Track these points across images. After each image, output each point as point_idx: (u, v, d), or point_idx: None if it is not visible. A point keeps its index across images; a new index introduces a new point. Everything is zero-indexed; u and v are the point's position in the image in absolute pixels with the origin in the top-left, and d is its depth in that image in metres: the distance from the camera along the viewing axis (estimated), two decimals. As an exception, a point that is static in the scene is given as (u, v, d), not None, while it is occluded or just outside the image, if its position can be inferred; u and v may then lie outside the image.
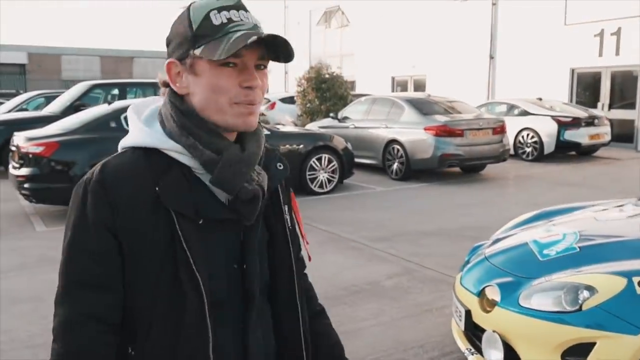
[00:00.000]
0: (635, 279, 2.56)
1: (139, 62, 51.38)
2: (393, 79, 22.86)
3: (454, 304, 3.33)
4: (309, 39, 27.47)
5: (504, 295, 2.92)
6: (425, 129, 10.10)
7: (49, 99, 14.53)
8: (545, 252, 3.11)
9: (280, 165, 1.31)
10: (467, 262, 3.58)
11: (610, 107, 15.49)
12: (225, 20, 1.14)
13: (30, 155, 7.26)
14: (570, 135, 12.54)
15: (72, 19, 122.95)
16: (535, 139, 12.79)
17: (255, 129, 1.22)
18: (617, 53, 15.05)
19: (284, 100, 20.13)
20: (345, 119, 11.97)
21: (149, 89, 13.10)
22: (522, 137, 13.01)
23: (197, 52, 1.13)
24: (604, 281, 2.63)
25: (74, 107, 11.53)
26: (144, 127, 1.21)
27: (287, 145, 8.88)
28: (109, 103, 8.49)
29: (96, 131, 7.59)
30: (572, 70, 16.38)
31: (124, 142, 1.21)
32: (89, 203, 1.14)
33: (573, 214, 3.81)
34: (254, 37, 1.09)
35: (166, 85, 1.22)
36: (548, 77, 16.51)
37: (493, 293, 3.01)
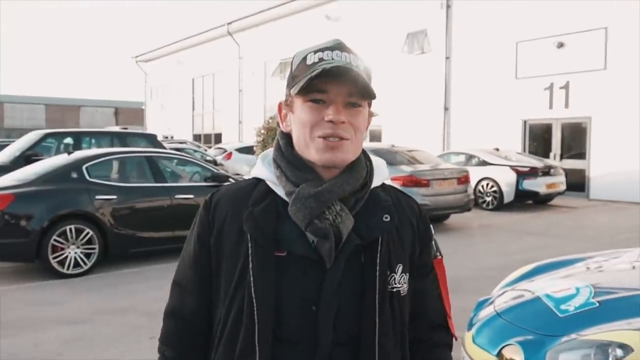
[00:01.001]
0: (672, 336, 2.46)
1: (86, 111, 50.50)
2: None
3: (466, 364, 3.15)
4: (264, 89, 27.62)
5: (528, 355, 2.77)
6: (392, 179, 10.09)
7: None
8: (562, 307, 2.99)
9: (386, 217, 1.25)
10: (472, 318, 3.43)
11: (562, 157, 16.01)
12: (317, 60, 1.19)
13: (-18, 209, 6.78)
14: (528, 184, 12.81)
15: (16, 67, 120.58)
16: (495, 188, 13.01)
17: (353, 167, 1.23)
18: (567, 106, 15.65)
19: (241, 150, 20.02)
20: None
21: (105, 138, 12.71)
22: (482, 186, 13.20)
23: (292, 91, 1.21)
24: (638, 338, 2.52)
25: (24, 157, 11.01)
26: (260, 163, 1.31)
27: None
28: (69, 153, 8.11)
29: (56, 182, 7.17)
30: (524, 122, 16.92)
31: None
32: (197, 219, 1.30)
33: (575, 266, 3.74)
34: (318, 70, 1.15)
35: (278, 125, 1.33)
36: (501, 128, 16.99)
37: (513, 352, 2.86)
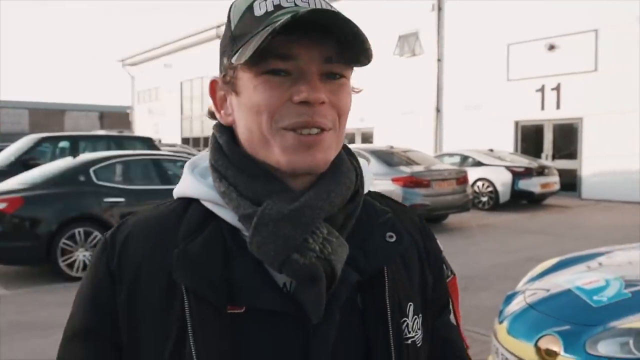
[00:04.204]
0: None
1: (71, 116, 50.09)
2: (340, 131, 23.19)
3: (500, 355, 3.24)
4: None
5: (567, 344, 2.86)
6: (392, 180, 10.20)
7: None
8: (595, 298, 3.09)
9: (391, 236, 0.86)
10: (502, 311, 3.52)
11: (554, 157, 16.24)
12: (271, 8, 0.77)
13: (-10, 212, 6.78)
14: (523, 184, 13.00)
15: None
16: (491, 188, 13.18)
17: (336, 168, 0.84)
18: (558, 107, 15.89)
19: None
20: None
21: (101, 142, 12.68)
22: (478, 187, 13.36)
23: (235, 59, 0.78)
24: (677, 325, 2.62)
25: (21, 162, 10.97)
26: (188, 174, 0.89)
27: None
28: (74, 156, 8.11)
29: (64, 185, 7.19)
30: (517, 123, 17.15)
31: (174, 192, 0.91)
32: (89, 271, 0.84)
33: (596, 260, 3.85)
34: (288, 17, 0.71)
35: (213, 115, 0.89)
36: (494, 129, 17.19)
37: (551, 342, 2.95)
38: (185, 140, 33.08)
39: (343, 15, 0.73)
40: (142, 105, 38.94)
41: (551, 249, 7.71)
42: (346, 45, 0.76)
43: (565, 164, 15.81)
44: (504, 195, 13.07)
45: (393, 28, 20.36)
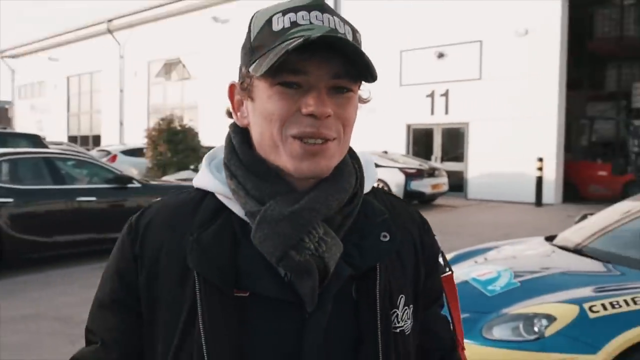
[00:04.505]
0: (586, 305, 2.91)
1: None
2: (237, 132, 23.09)
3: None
4: (147, 90, 26.83)
5: (466, 330, 3.09)
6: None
7: None
8: (489, 288, 3.38)
9: (385, 236, 0.94)
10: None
11: (442, 159, 17.16)
12: (288, 25, 0.86)
13: None
14: (415, 185, 13.64)
15: None
16: (386, 189, 13.66)
17: (338, 172, 0.92)
18: (447, 112, 16.81)
19: (126, 152, 19.33)
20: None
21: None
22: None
23: (254, 70, 0.87)
24: (560, 309, 2.94)
25: None
26: (206, 167, 0.99)
27: (159, 198, 8.51)
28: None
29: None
30: (409, 126, 17.92)
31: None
32: (116, 249, 0.96)
33: (488, 254, 4.19)
34: (300, 41, 0.80)
35: (230, 114, 0.99)
36: (387, 132, 17.85)
37: (451, 329, 3.19)
38: (73, 139, 31.41)
39: (347, 40, 0.84)
40: (23, 100, 36.49)
41: (443, 245, 8.11)
42: (351, 63, 0.85)
43: (453, 166, 16.74)
44: (398, 195, 13.62)
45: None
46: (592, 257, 3.79)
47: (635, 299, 2.91)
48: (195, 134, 15.79)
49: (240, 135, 0.96)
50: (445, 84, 16.68)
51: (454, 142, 17.21)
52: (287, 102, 0.86)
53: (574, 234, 4.33)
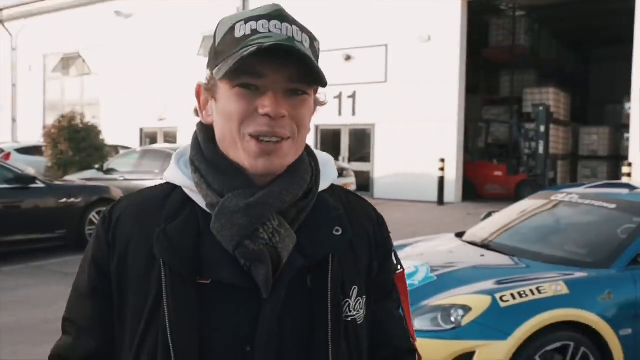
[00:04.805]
0: (497, 295, 3.16)
1: None
2: (142, 130, 22.41)
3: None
4: (43, 85, 25.43)
5: (388, 323, 3.28)
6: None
7: None
8: (408, 282, 3.55)
9: (337, 230, 1.01)
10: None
11: (350, 160, 17.56)
12: (249, 32, 0.94)
13: None
14: (325, 185, 13.88)
15: None
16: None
17: (293, 169, 0.99)
18: (354, 113, 17.22)
19: (20, 150, 18.24)
20: (111, 170, 11.49)
21: None
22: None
23: (216, 73, 0.97)
24: (474, 300, 3.17)
25: None
26: (174, 164, 1.06)
27: (65, 199, 8.17)
28: None
29: None
30: (317, 127, 18.19)
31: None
32: (92, 239, 1.04)
33: (404, 250, 4.40)
34: (253, 49, 0.89)
35: (197, 113, 1.07)
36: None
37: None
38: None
39: (298, 48, 0.92)
40: None
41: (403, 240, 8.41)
42: (305, 69, 0.94)
43: (360, 166, 17.17)
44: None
45: (197, 27, 20.25)
46: (498, 252, 4.10)
47: (540, 288, 3.20)
48: (99, 132, 15.18)
49: (205, 133, 1.04)
50: (352, 86, 17.08)
51: (361, 142, 17.67)
52: (245, 102, 0.94)
53: (481, 230, 4.65)
